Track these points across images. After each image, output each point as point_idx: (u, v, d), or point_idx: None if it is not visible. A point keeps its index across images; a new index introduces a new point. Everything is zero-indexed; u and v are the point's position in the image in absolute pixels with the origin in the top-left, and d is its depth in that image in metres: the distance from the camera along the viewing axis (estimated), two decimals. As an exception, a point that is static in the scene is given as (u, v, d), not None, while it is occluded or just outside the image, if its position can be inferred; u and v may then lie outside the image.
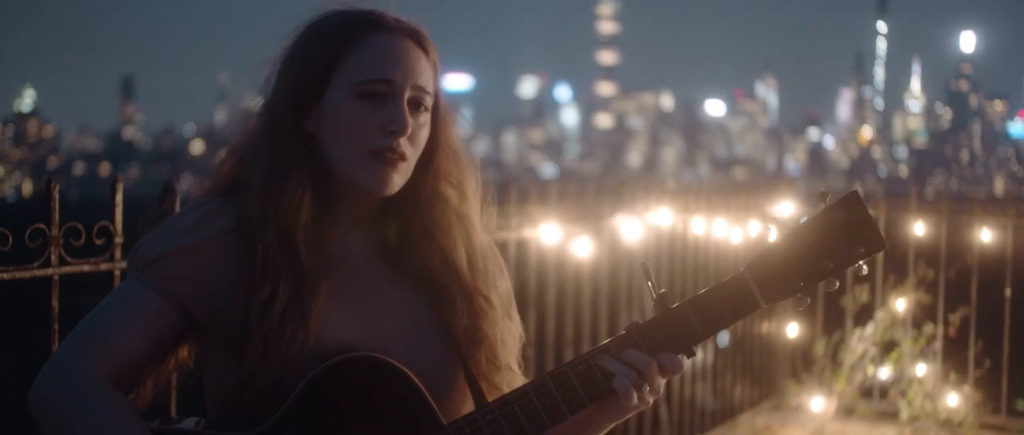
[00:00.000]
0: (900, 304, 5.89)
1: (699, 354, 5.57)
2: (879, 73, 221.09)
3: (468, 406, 1.73)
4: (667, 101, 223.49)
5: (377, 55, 1.69)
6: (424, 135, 1.73)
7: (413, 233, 1.75)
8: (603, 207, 4.34)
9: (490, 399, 1.68)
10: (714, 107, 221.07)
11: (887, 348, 6.03)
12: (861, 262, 1.64)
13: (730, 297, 1.63)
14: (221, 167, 1.78)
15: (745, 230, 5.47)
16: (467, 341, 1.72)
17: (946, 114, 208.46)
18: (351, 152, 1.67)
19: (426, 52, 1.74)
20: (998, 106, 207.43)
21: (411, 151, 1.70)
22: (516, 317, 1.84)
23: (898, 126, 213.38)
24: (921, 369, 5.83)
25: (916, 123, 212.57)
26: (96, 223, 2.23)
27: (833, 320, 6.29)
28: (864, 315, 6.07)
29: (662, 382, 1.66)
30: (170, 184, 2.05)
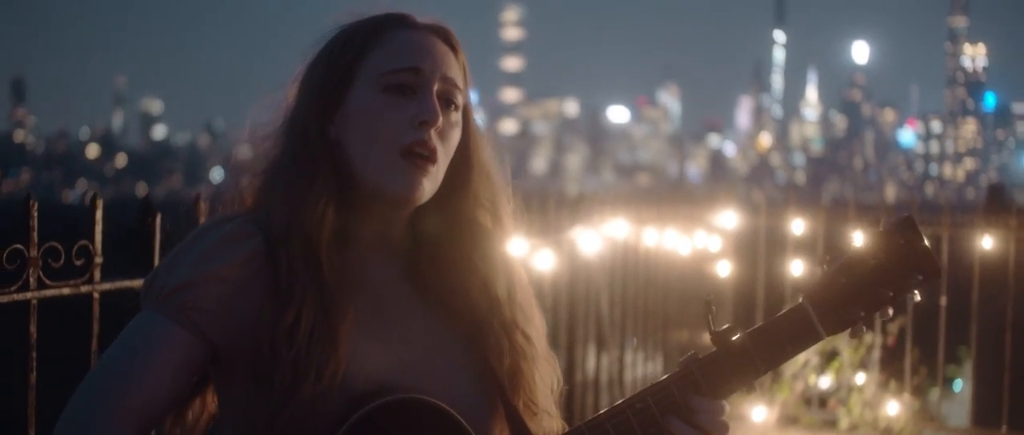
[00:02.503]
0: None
1: (649, 365, 5.55)
2: (777, 82, 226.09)
3: None
4: (572, 108, 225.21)
5: (403, 46, 1.58)
6: (455, 137, 1.61)
7: (450, 261, 1.62)
8: (562, 220, 4.27)
9: (529, 430, 1.58)
10: (618, 114, 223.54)
11: (828, 358, 6.08)
12: (916, 291, 1.57)
13: (791, 329, 1.56)
14: (240, 188, 1.65)
15: (692, 240, 5.46)
16: (508, 379, 1.61)
17: (840, 122, 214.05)
18: (379, 151, 1.54)
19: (454, 50, 1.63)
20: (889, 115, 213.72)
21: (441, 152, 1.57)
22: (553, 357, 1.73)
23: (795, 134, 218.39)
24: (860, 378, 5.89)
25: (812, 131, 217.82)
26: (75, 243, 2.07)
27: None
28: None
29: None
30: (198, 195, 1.88)
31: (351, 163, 1.56)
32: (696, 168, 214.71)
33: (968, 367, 7.21)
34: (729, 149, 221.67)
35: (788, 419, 6.10)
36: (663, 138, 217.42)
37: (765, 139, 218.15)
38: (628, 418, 1.53)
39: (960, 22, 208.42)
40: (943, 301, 5.87)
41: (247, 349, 1.51)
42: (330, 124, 1.58)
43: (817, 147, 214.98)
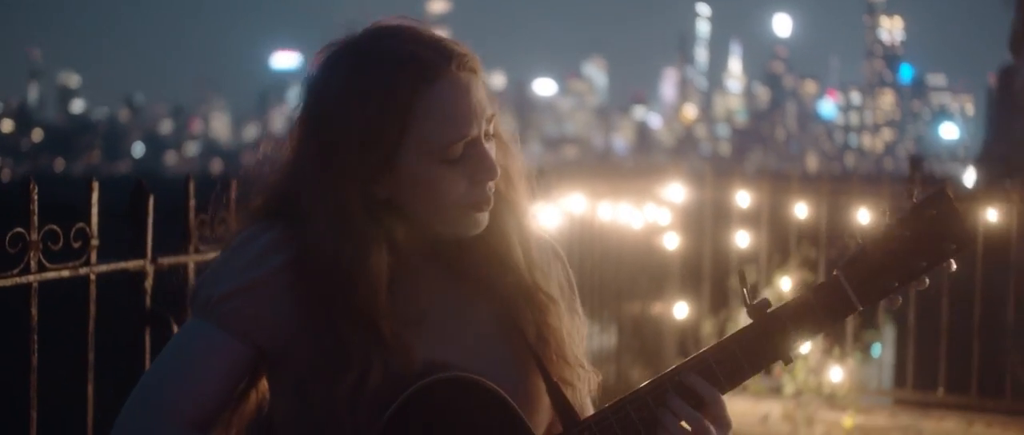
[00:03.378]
0: (785, 283, 6.10)
1: (604, 338, 5.65)
2: (701, 54, 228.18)
3: (549, 416, 1.67)
4: (498, 80, 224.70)
5: (447, 113, 1.54)
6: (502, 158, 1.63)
7: (483, 259, 1.64)
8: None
9: (568, 399, 1.63)
10: (544, 86, 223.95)
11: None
12: (952, 259, 1.59)
13: (826, 301, 1.60)
14: (251, 203, 1.65)
15: (643, 213, 5.56)
16: (538, 343, 1.65)
17: (763, 94, 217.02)
18: (446, 212, 1.57)
19: (477, 73, 1.61)
20: (810, 87, 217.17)
21: (494, 184, 1.60)
22: (580, 309, 1.76)
23: (719, 105, 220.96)
24: (805, 345, 6.05)
25: (736, 103, 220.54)
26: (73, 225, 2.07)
27: (719, 300, 6.47)
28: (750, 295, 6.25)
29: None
30: (228, 178, 1.88)
31: (412, 218, 1.58)
32: (622, 140, 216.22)
33: (887, 331, 7.45)
34: (654, 121, 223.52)
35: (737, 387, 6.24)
36: (589, 110, 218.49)
37: (690, 111, 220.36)
38: (666, 388, 1.58)
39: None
40: (899, 302, 6.03)
41: (292, 353, 1.54)
42: (377, 185, 1.56)
43: (741, 119, 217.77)
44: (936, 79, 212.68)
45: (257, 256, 1.55)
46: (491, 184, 1.58)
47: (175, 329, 2.26)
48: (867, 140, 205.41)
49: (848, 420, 5.94)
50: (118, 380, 2.08)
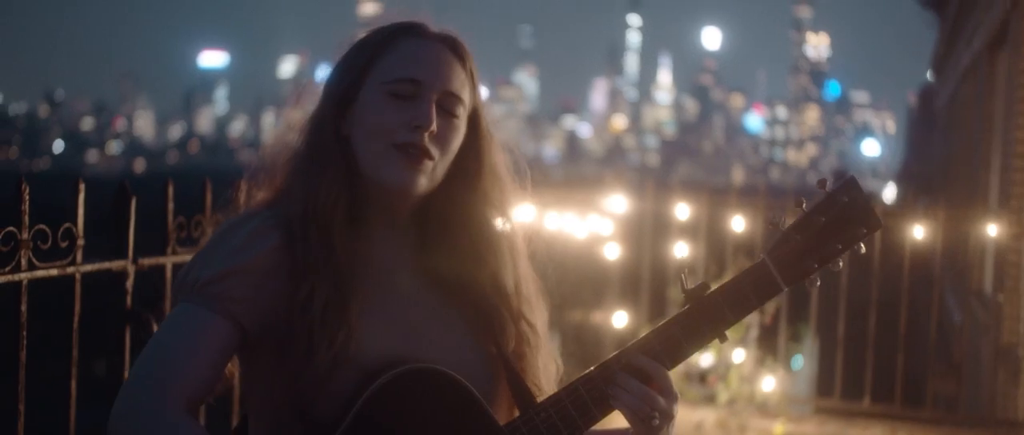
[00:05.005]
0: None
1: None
2: (632, 65, 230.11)
3: (510, 406, 1.76)
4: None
5: (407, 56, 1.73)
6: (455, 140, 1.75)
7: (459, 250, 1.76)
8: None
9: (527, 386, 1.74)
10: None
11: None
12: (861, 242, 1.73)
13: (755, 282, 1.72)
14: (264, 184, 1.77)
15: (586, 224, 5.68)
16: (515, 361, 1.76)
17: (692, 107, 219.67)
18: (376, 146, 1.70)
19: (462, 61, 1.77)
20: (737, 100, 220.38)
21: (437, 151, 1.72)
22: (553, 347, 1.89)
23: (648, 116, 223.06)
24: (739, 355, 6.23)
25: (665, 114, 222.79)
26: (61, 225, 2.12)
27: (657, 309, 6.62)
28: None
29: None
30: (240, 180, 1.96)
31: (356, 155, 1.71)
32: (552, 149, 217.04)
33: (808, 345, 7.68)
34: (584, 130, 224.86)
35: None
36: (520, 118, 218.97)
37: (619, 121, 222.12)
38: (588, 384, 1.70)
39: (805, 12, 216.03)
40: (817, 283, 6.25)
41: (272, 330, 1.64)
42: (342, 121, 1.73)
43: (669, 130, 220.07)
44: (860, 96, 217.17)
45: (245, 241, 1.65)
46: (425, 137, 1.69)
47: (155, 328, 2.32)
48: (792, 154, 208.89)
49: (779, 428, 6.13)
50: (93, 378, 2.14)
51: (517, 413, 1.76)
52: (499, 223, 1.80)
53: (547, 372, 1.83)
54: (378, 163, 1.69)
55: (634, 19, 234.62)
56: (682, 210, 6.36)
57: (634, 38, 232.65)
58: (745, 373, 6.23)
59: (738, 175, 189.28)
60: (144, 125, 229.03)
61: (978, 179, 10.14)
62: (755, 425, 6.15)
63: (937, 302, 6.60)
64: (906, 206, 6.52)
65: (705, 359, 6.40)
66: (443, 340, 1.73)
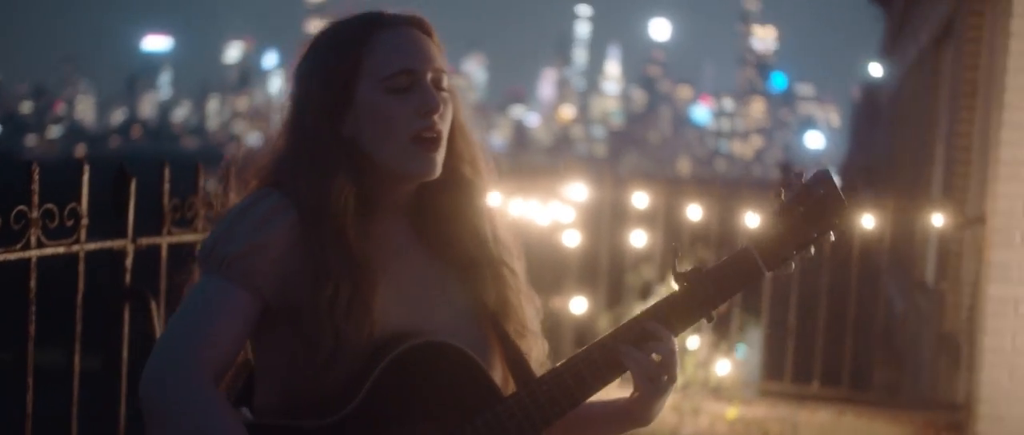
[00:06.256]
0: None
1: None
2: (580, 55, 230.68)
3: (505, 378, 1.88)
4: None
5: (392, 49, 1.81)
6: (450, 113, 1.85)
7: (443, 213, 1.87)
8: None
9: (528, 363, 1.85)
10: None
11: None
12: (833, 231, 1.86)
13: (740, 267, 1.85)
14: (249, 184, 1.86)
15: (548, 211, 5.81)
16: (499, 312, 1.87)
17: (639, 97, 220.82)
18: (395, 143, 1.79)
19: (432, 36, 1.88)
20: (684, 92, 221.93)
21: (444, 128, 1.83)
22: (530, 288, 1.99)
23: (596, 107, 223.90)
24: (694, 342, 6.40)
25: (613, 105, 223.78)
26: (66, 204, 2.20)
27: (615, 296, 6.77)
28: (645, 292, 6.58)
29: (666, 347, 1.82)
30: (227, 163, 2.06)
31: (369, 155, 1.81)
32: (500, 138, 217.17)
33: (752, 334, 7.88)
34: (532, 120, 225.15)
35: (628, 380, 6.53)
36: (468, 107, 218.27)
37: (567, 111, 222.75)
38: (596, 351, 1.82)
39: (752, 4, 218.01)
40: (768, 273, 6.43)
41: (290, 306, 1.74)
42: (342, 124, 1.81)
43: (617, 121, 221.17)
44: (805, 89, 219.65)
45: (264, 217, 1.74)
46: (436, 120, 1.80)
47: (153, 306, 2.41)
48: (737, 146, 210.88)
49: (731, 411, 6.32)
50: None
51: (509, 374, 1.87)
52: (471, 176, 1.90)
53: (530, 310, 1.94)
54: (400, 158, 1.79)
55: (584, 9, 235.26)
56: (640, 199, 6.51)
57: (583, 28, 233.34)
58: (700, 358, 6.40)
59: (684, 166, 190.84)
60: (85, 109, 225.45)
61: (922, 171, 10.43)
62: (708, 408, 6.33)
63: (883, 292, 6.83)
64: (856, 197, 6.73)
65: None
66: (444, 308, 1.84)
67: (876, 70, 22.61)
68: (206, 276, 1.74)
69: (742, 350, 7.40)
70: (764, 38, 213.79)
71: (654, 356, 1.83)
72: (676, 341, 1.86)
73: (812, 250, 1.87)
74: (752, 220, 6.32)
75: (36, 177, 2.10)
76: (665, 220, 6.53)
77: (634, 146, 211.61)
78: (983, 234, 5.74)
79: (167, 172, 2.54)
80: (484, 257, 1.88)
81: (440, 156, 1.82)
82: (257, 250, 1.72)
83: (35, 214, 2.14)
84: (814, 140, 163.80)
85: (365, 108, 1.80)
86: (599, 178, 6.67)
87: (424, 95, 1.80)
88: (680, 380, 6.44)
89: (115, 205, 2.42)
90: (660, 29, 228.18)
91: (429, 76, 1.83)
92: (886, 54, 20.01)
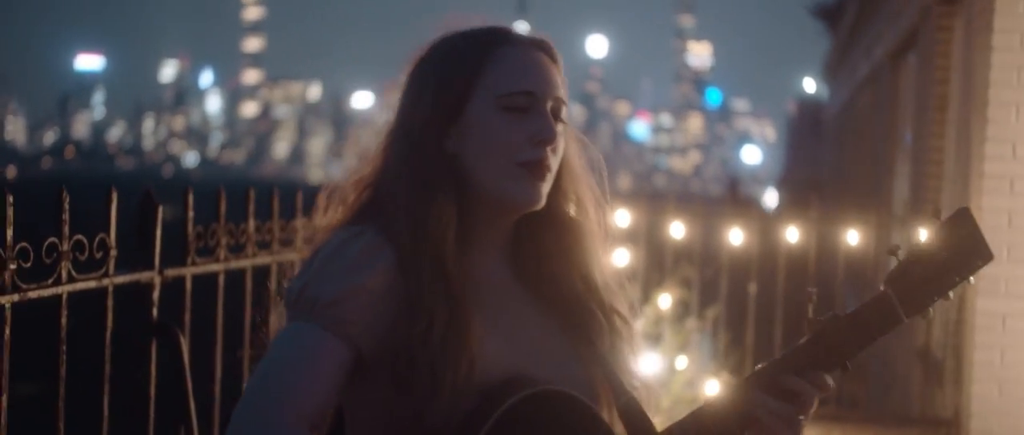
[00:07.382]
0: (664, 300, 6.35)
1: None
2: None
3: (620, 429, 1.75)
4: (315, 91, 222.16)
5: (516, 67, 1.67)
6: (562, 146, 1.71)
7: (548, 253, 1.73)
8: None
9: (647, 414, 1.71)
10: (362, 99, 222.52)
11: (654, 342, 6.47)
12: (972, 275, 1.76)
13: (878, 314, 1.72)
14: (347, 198, 1.70)
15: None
16: (613, 362, 1.73)
17: (578, 114, 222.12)
18: (499, 165, 1.64)
19: (558, 64, 1.73)
20: (623, 108, 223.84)
21: (554, 162, 1.68)
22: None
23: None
24: (682, 362, 6.33)
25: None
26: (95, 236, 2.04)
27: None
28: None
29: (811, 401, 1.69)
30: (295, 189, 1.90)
31: (470, 174, 1.65)
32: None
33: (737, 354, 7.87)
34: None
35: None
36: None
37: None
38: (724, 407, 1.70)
39: (687, 21, 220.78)
40: (753, 288, 6.40)
41: (386, 354, 1.59)
42: (447, 138, 1.65)
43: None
44: (740, 104, 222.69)
45: (358, 260, 1.58)
46: (549, 150, 1.65)
47: (182, 341, 2.26)
48: (676, 162, 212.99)
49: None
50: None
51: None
52: (578, 217, 1.76)
53: (639, 363, 1.80)
54: (502, 182, 1.64)
55: (521, 25, 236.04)
56: (623, 217, 6.44)
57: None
58: (688, 377, 6.33)
59: (624, 182, 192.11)
60: (15, 130, 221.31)
61: (882, 184, 10.49)
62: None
63: (843, 307, 6.81)
64: (783, 208, 6.70)
65: (651, 367, 6.48)
66: (551, 353, 1.70)
67: (810, 85, 22.83)
68: (296, 322, 1.58)
69: (683, 362, 7.35)
70: (700, 54, 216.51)
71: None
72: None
73: (950, 295, 1.74)
74: (736, 238, 6.28)
75: (66, 205, 1.93)
76: (647, 238, 6.45)
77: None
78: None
79: (190, 199, 2.39)
80: (595, 303, 1.74)
81: (546, 187, 1.66)
82: (349, 296, 1.56)
83: (66, 247, 1.97)
84: (751, 155, 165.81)
85: (474, 122, 1.65)
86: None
87: (541, 122, 1.65)
88: (667, 401, 6.37)
89: (140, 234, 2.26)
90: (597, 46, 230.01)
91: (549, 104, 1.67)
92: (830, 69, 20.25)
